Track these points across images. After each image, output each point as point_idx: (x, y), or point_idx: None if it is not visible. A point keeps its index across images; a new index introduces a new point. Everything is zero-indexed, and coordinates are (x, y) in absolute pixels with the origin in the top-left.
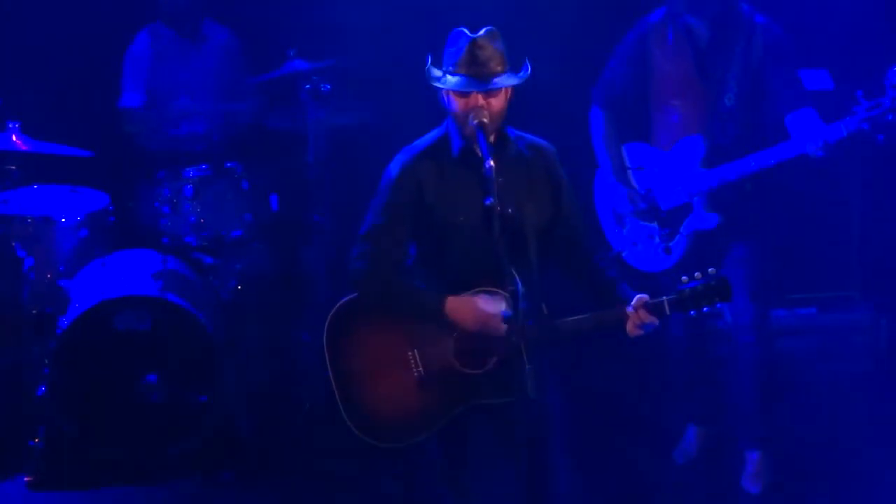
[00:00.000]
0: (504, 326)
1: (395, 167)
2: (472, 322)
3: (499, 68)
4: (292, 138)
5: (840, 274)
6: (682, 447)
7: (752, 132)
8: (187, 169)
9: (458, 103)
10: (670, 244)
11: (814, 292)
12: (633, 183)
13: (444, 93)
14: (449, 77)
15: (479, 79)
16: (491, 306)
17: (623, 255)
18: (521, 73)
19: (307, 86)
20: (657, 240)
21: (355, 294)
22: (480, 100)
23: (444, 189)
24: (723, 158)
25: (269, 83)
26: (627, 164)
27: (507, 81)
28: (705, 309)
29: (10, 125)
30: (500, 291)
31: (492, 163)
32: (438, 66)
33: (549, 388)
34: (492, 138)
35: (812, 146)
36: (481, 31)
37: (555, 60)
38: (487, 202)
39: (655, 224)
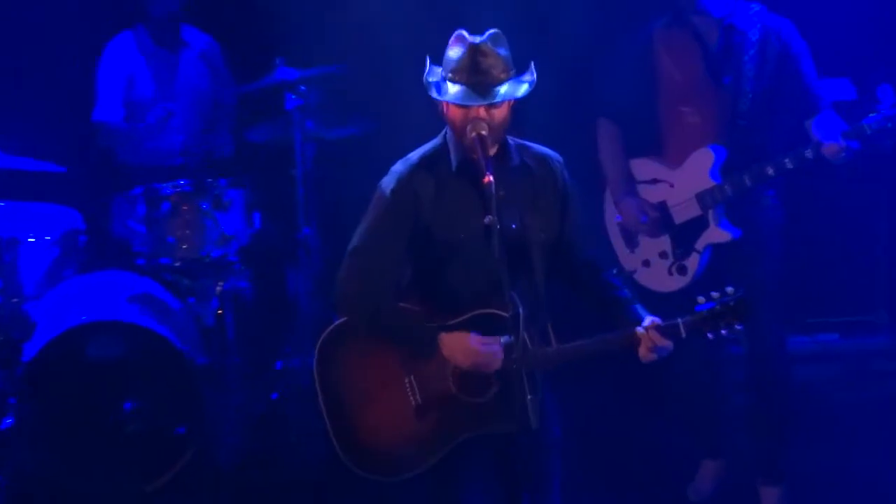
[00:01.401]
0: (500, 362)
1: (389, 181)
2: (464, 362)
3: (502, 76)
4: (278, 151)
5: (863, 297)
6: (696, 484)
7: (769, 139)
8: (165, 185)
9: (456, 114)
10: (685, 262)
11: (835, 316)
12: (645, 196)
13: (442, 102)
14: (449, 86)
15: (480, 89)
16: (485, 347)
17: (634, 275)
18: (527, 82)
19: (294, 96)
20: (670, 257)
21: (340, 314)
22: (482, 112)
23: (442, 204)
24: (738, 167)
25: (255, 93)
26: (637, 178)
27: (511, 94)
28: (723, 331)
29: None
30: (501, 313)
31: (491, 178)
32: (436, 72)
33: (553, 419)
34: (493, 150)
35: (832, 139)
36: (484, 36)
37: (559, 69)
38: (487, 220)
39: (668, 240)
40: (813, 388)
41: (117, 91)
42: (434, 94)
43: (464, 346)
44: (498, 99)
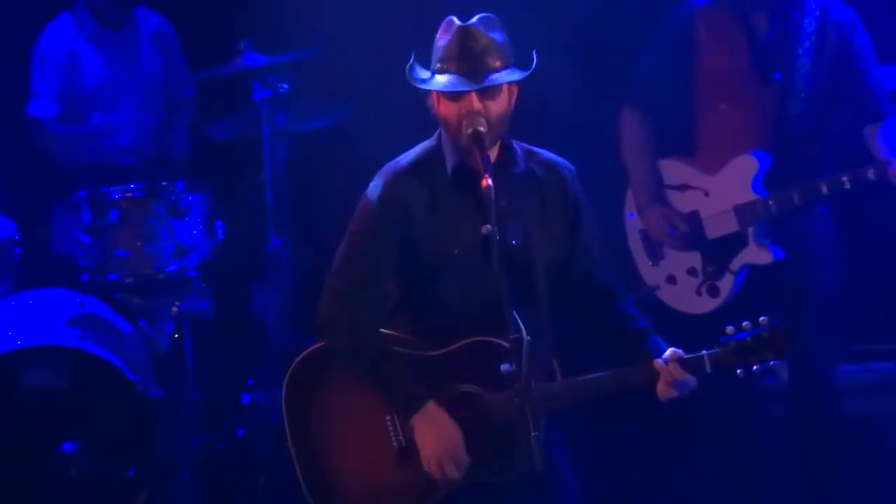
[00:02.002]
0: (455, 477)
1: (375, 189)
2: (429, 451)
3: (497, 63)
4: (243, 150)
5: None
6: None
7: (823, 146)
8: (112, 189)
9: (448, 108)
10: (716, 282)
11: (890, 343)
12: (674, 203)
13: (432, 96)
14: (437, 76)
15: (472, 76)
16: (457, 445)
17: (657, 291)
18: (528, 70)
19: (262, 85)
20: (700, 275)
21: (322, 343)
22: (476, 103)
23: (436, 215)
24: (785, 179)
25: (216, 82)
26: (666, 181)
27: (507, 77)
28: (755, 367)
29: None
30: (498, 341)
31: (489, 181)
32: (426, 64)
33: (565, 463)
34: (493, 152)
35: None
36: (473, 19)
37: (572, 54)
38: (484, 230)
39: (699, 256)
40: (865, 425)
41: (55, 82)
42: (419, 86)
43: (441, 436)
44: (489, 83)
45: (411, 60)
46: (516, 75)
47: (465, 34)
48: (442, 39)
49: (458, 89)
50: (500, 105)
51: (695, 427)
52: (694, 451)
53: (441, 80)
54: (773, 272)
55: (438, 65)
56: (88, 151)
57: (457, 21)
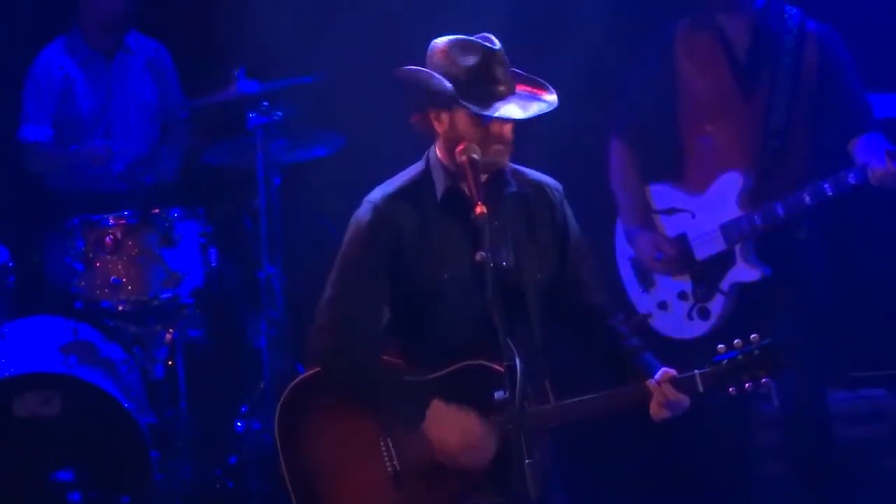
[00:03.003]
0: (488, 456)
1: (364, 214)
2: (454, 447)
3: (537, 90)
4: (238, 177)
5: None
6: None
7: (806, 162)
8: (106, 216)
9: (473, 134)
10: (707, 304)
11: (882, 369)
12: (662, 228)
13: (442, 118)
14: (498, 104)
15: (521, 103)
16: (484, 434)
17: (649, 319)
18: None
19: (257, 112)
20: (691, 299)
21: (314, 370)
22: (507, 131)
23: (427, 240)
24: (770, 195)
25: (211, 109)
26: (654, 206)
27: (551, 104)
28: (747, 385)
29: None
30: (490, 365)
31: (484, 209)
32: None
33: (558, 490)
34: (484, 176)
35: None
36: (494, 44)
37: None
38: (478, 257)
39: (689, 278)
40: (857, 452)
41: (48, 107)
42: (479, 112)
43: (457, 427)
44: (539, 112)
45: (441, 80)
46: (554, 102)
47: (494, 58)
48: (460, 59)
49: (519, 118)
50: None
51: (689, 454)
52: (687, 479)
53: (502, 107)
54: (762, 293)
55: (483, 87)
56: (81, 177)
57: (475, 40)
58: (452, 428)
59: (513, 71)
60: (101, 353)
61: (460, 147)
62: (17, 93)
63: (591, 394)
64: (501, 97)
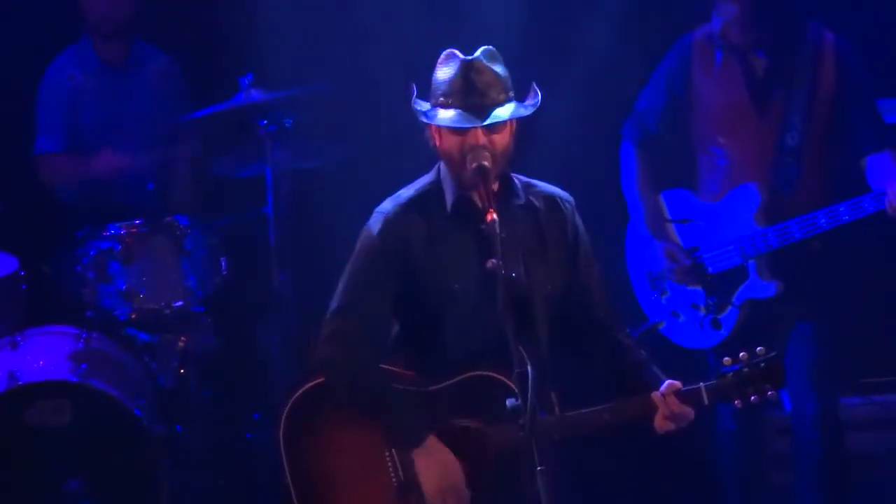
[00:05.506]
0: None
1: (374, 224)
2: (431, 485)
3: (501, 97)
4: (247, 186)
5: None
6: None
7: (821, 179)
8: (116, 225)
9: (452, 142)
10: (719, 316)
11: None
12: (675, 237)
13: (433, 130)
14: (440, 111)
15: (477, 111)
16: (458, 477)
17: (661, 328)
18: (531, 102)
19: (265, 121)
20: (703, 310)
21: (319, 379)
22: (481, 137)
23: (436, 250)
24: (785, 212)
25: (220, 117)
26: (668, 215)
27: (513, 112)
28: (753, 398)
29: None
30: (496, 375)
31: (495, 216)
32: (425, 97)
33: (565, 496)
34: (494, 185)
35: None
36: (477, 52)
37: (574, 89)
38: (490, 265)
39: (701, 290)
40: (869, 459)
41: (60, 118)
42: (423, 119)
43: (443, 471)
44: (497, 120)
45: (414, 95)
46: (523, 110)
47: (469, 68)
48: (443, 72)
49: (466, 125)
50: (503, 138)
51: (698, 463)
52: (698, 489)
53: (447, 115)
54: (776, 304)
55: (442, 98)
56: (92, 188)
57: (459, 54)
58: (437, 465)
59: (500, 80)
60: (113, 361)
61: (469, 156)
62: (26, 105)
63: (597, 406)
64: (462, 106)
